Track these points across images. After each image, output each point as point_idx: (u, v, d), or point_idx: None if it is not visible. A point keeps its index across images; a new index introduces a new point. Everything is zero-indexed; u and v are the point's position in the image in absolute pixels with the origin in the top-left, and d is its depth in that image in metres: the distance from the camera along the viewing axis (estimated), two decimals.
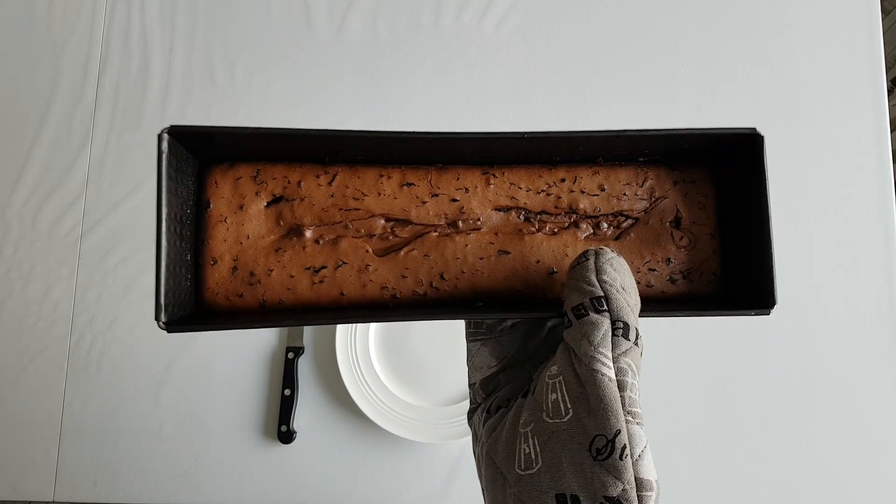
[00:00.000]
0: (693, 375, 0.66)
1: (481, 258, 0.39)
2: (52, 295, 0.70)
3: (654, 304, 0.38)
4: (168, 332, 0.32)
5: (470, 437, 0.63)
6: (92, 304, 0.69)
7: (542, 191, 0.40)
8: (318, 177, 0.39)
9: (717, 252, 0.40)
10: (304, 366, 0.67)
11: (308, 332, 0.68)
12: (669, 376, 0.66)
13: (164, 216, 0.33)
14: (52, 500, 0.66)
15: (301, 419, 0.66)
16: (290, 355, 0.67)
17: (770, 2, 0.72)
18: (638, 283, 0.37)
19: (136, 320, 0.69)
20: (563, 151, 0.39)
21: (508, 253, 0.39)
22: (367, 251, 0.39)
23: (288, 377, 0.66)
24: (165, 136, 0.33)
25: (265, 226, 0.38)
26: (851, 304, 0.67)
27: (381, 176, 0.39)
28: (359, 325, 0.66)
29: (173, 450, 0.66)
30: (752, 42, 0.72)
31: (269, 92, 0.72)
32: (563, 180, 0.40)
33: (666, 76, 0.72)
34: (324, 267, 0.38)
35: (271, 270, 0.38)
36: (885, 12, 1.48)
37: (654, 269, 0.39)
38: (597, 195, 0.40)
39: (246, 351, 0.68)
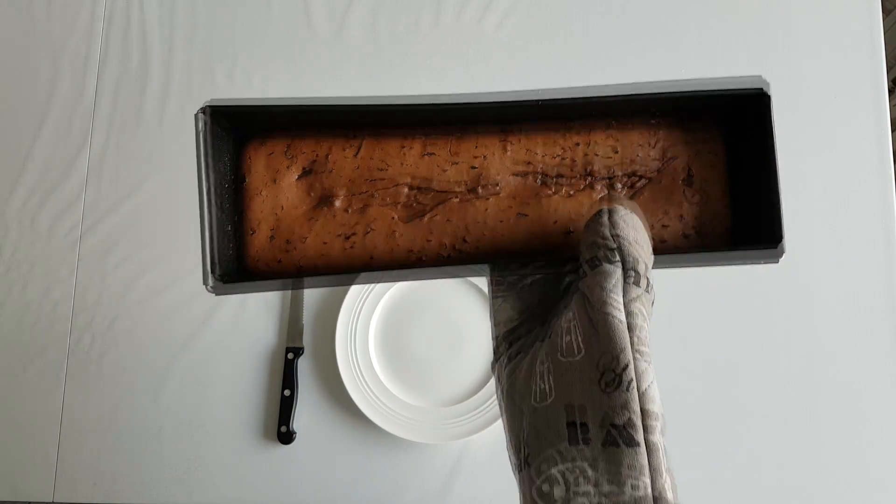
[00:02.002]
0: (692, 371, 0.66)
1: (501, 221, 0.41)
2: (52, 295, 0.69)
3: (667, 260, 0.39)
4: (216, 294, 0.36)
5: (470, 437, 0.63)
6: (91, 305, 0.69)
7: (558, 155, 0.41)
8: (344, 149, 0.41)
9: (728, 208, 0.42)
10: (303, 366, 0.67)
11: (308, 332, 0.68)
12: (669, 373, 0.66)
13: (205, 190, 0.36)
14: (51, 501, 0.66)
15: (301, 420, 0.66)
16: (290, 356, 0.66)
17: (770, 2, 0.72)
18: (652, 239, 0.38)
19: (135, 321, 0.69)
20: (577, 113, 0.41)
21: (527, 215, 0.41)
22: (394, 218, 0.41)
23: (288, 378, 0.66)
24: (201, 115, 0.36)
25: (298, 196, 0.41)
26: (852, 304, 0.67)
27: (403, 147, 0.41)
28: (359, 323, 0.66)
29: (173, 450, 0.66)
30: (753, 42, 0.72)
31: (269, 92, 0.72)
32: (577, 144, 0.41)
33: (667, 77, 0.71)
34: (353, 233, 0.41)
35: (305, 238, 0.41)
36: (886, 12, 1.48)
37: (667, 226, 0.41)
38: (610, 157, 0.41)
39: (246, 351, 0.68)
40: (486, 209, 0.41)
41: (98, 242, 0.70)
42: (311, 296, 0.69)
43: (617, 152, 0.41)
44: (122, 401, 0.67)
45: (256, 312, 0.68)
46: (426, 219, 0.41)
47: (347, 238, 0.41)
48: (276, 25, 0.74)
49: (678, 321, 0.67)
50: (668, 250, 0.40)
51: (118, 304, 0.69)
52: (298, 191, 0.41)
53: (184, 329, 0.68)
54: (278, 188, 0.41)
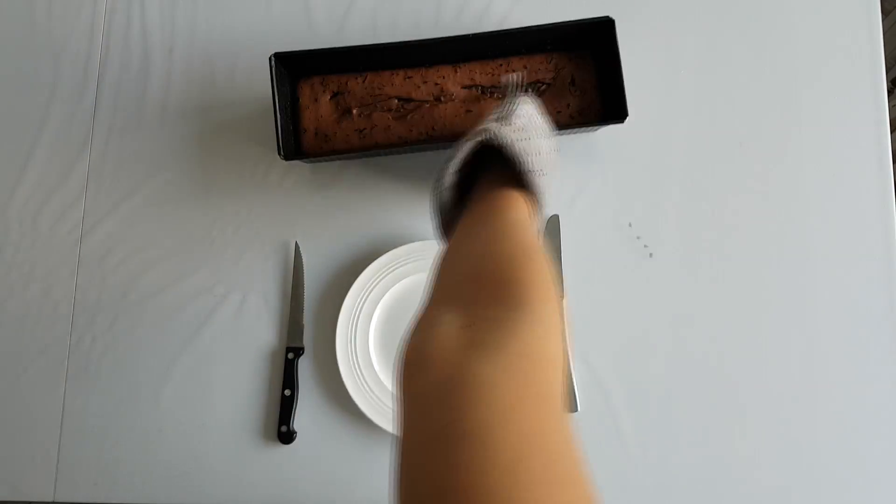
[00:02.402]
0: (691, 372, 0.66)
1: (456, 116, 0.67)
2: (53, 295, 0.70)
3: (563, 129, 0.65)
4: (286, 160, 0.62)
5: None
6: (92, 305, 0.69)
7: (489, 73, 0.67)
8: (356, 80, 0.67)
9: (597, 98, 0.67)
10: (304, 366, 0.68)
11: (308, 332, 0.68)
12: (668, 373, 0.66)
13: (277, 107, 0.62)
14: (52, 500, 0.67)
15: (301, 419, 0.66)
16: (290, 356, 0.67)
17: (770, 2, 0.72)
18: (556, 122, 0.62)
19: (136, 321, 0.69)
20: (499, 47, 0.66)
21: (472, 111, 0.67)
22: (389, 118, 0.67)
23: (288, 377, 0.66)
24: (273, 59, 0.62)
25: (330, 109, 0.67)
26: (851, 304, 0.67)
27: (392, 76, 0.67)
28: (359, 323, 0.66)
29: (173, 450, 0.66)
30: (752, 42, 0.72)
31: (269, 93, 0.72)
32: (501, 65, 0.67)
33: (666, 77, 0.72)
34: (364, 129, 0.67)
35: (336, 133, 0.67)
36: (885, 13, 1.48)
37: (561, 111, 0.66)
38: (523, 71, 0.67)
39: (246, 351, 0.68)
40: (446, 110, 0.67)
41: (99, 243, 0.70)
42: (312, 295, 0.69)
43: (526, 69, 0.67)
44: (123, 401, 0.68)
45: (257, 312, 0.68)
46: (409, 118, 0.66)
47: (361, 132, 0.67)
48: (276, 26, 0.74)
49: (678, 321, 0.67)
50: (563, 126, 0.65)
51: (119, 305, 0.69)
52: (330, 107, 0.67)
53: (184, 329, 0.68)
54: (318, 105, 0.67)
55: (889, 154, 0.70)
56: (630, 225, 0.69)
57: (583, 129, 0.65)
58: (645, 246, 0.68)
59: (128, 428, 0.67)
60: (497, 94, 0.66)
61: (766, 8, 0.72)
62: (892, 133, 0.72)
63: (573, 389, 0.65)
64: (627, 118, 0.62)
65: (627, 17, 0.69)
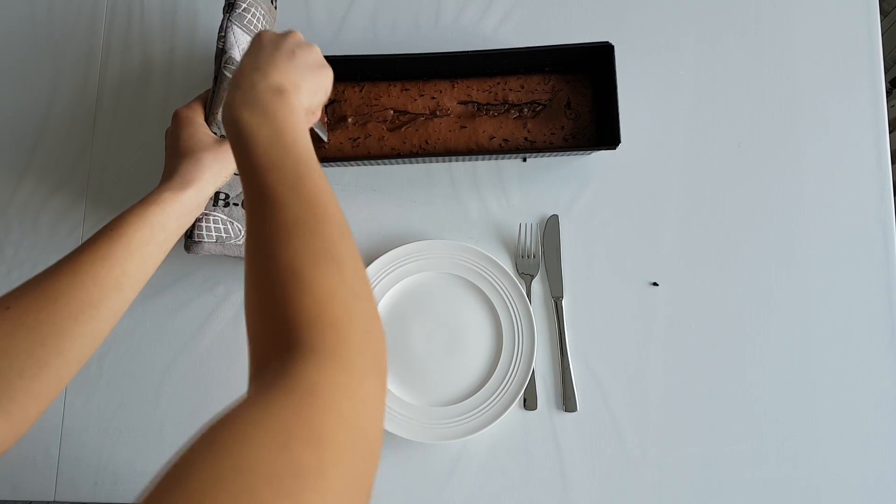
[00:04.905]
0: (690, 371, 0.66)
1: (450, 131, 0.68)
2: None
3: (556, 150, 0.66)
4: None
5: (469, 437, 0.63)
6: None
7: (486, 91, 0.69)
8: (354, 88, 0.68)
9: (592, 122, 0.68)
10: None
11: None
12: (668, 372, 0.66)
13: None
14: (52, 500, 0.67)
15: None
16: None
17: (769, 3, 0.72)
18: (549, 143, 0.68)
19: (136, 321, 0.69)
20: (498, 65, 0.67)
21: (466, 127, 0.68)
22: (383, 129, 0.68)
23: None
24: None
25: (325, 116, 0.66)
26: (850, 305, 0.67)
27: (390, 87, 0.68)
28: None
29: (174, 450, 0.66)
30: (751, 43, 0.72)
31: None
32: (498, 83, 0.68)
33: (665, 77, 0.72)
34: (358, 138, 0.68)
35: (329, 140, 0.67)
36: (884, 13, 1.48)
37: (555, 133, 0.68)
38: (520, 91, 0.68)
39: (246, 350, 0.68)
40: (441, 124, 0.68)
41: None
42: None
43: (523, 88, 0.68)
44: (124, 400, 0.68)
45: None
46: (403, 130, 0.68)
47: (354, 141, 0.68)
48: (277, 26, 0.74)
49: (678, 320, 0.67)
50: (556, 148, 0.67)
51: None
52: (325, 113, 0.66)
53: (185, 329, 0.68)
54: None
55: (887, 154, 0.70)
56: (629, 229, 0.69)
57: (576, 152, 0.66)
58: (645, 247, 0.69)
59: (129, 427, 0.67)
60: (493, 111, 0.67)
61: (765, 9, 0.72)
62: (890, 133, 0.72)
63: (573, 389, 0.65)
64: (620, 144, 0.63)
65: (626, 41, 0.69)
